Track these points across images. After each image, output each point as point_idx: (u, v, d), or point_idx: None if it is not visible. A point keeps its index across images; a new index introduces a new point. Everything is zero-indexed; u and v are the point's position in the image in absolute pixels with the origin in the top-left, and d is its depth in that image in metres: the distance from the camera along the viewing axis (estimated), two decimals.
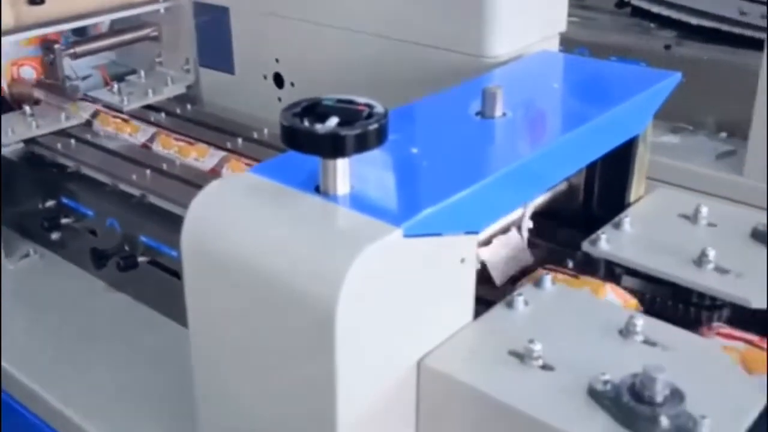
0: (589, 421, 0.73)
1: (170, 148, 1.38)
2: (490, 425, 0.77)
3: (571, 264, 1.02)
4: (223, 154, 1.33)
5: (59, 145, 1.42)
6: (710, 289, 0.92)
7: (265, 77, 1.52)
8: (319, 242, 0.74)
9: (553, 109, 1.05)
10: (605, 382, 0.75)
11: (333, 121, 0.78)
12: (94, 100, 1.54)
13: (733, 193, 1.55)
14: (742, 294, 0.90)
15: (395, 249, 0.74)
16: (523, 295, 0.88)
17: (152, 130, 1.43)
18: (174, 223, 0.84)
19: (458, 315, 0.84)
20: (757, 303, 0.89)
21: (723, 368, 0.80)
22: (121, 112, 1.50)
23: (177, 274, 1.17)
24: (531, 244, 1.06)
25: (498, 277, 0.97)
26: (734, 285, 0.91)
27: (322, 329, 0.71)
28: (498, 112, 0.97)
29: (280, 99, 1.50)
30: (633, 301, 0.92)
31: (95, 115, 1.50)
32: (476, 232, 0.84)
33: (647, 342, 0.82)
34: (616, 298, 0.91)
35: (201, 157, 1.34)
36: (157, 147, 1.39)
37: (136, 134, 1.43)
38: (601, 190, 1.11)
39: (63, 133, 1.46)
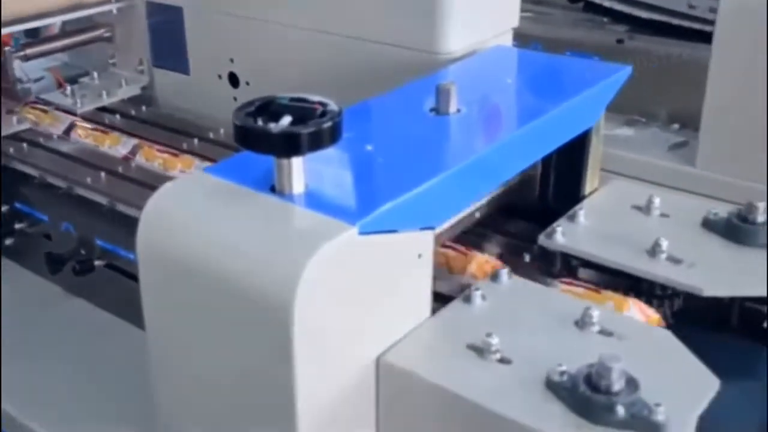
0: (546, 412, 0.73)
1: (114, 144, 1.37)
2: (449, 420, 0.77)
3: (528, 257, 1.02)
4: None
5: (11, 149, 1.40)
6: (664, 278, 0.93)
7: (220, 77, 1.51)
8: (274, 242, 0.74)
9: (507, 104, 1.06)
10: (562, 373, 0.75)
11: (286, 120, 0.77)
12: (47, 103, 1.51)
13: (686, 184, 1.57)
14: (694, 283, 0.91)
15: (351, 247, 0.74)
16: (480, 289, 0.88)
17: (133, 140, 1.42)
18: (130, 225, 0.83)
19: (416, 311, 0.84)
20: (709, 291, 0.90)
21: (677, 356, 0.81)
22: (74, 114, 1.48)
23: (135, 277, 1.15)
24: (488, 238, 1.07)
25: None
26: (687, 274, 0.92)
27: (279, 329, 0.71)
28: (452, 108, 0.97)
29: (235, 99, 1.49)
30: (655, 317, 0.91)
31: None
32: (432, 228, 0.84)
33: (603, 332, 0.83)
34: (639, 313, 0.90)
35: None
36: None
37: (117, 146, 1.41)
38: (556, 183, 1.12)
39: (15, 137, 1.44)
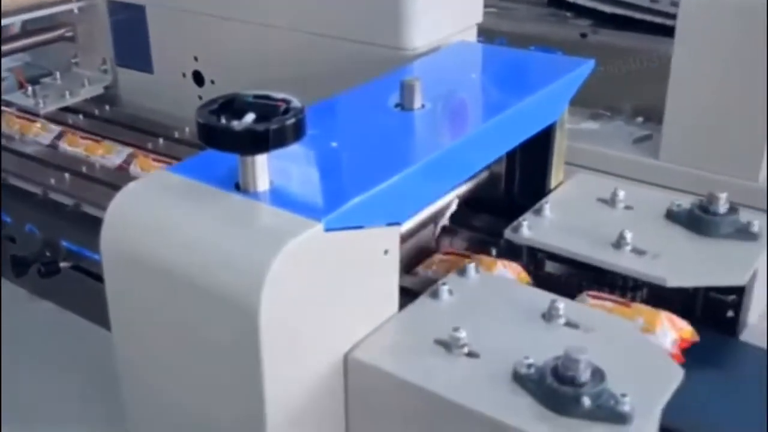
0: (513, 404, 0.73)
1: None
2: (418, 414, 0.77)
3: (494, 252, 1.03)
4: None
5: None
6: (628, 270, 0.94)
7: (184, 75, 1.50)
8: (239, 240, 0.74)
9: (472, 99, 1.06)
10: (529, 366, 0.76)
11: (250, 117, 0.77)
12: (8, 104, 1.49)
13: (650, 176, 1.58)
14: (658, 273, 0.92)
15: (317, 243, 0.74)
16: (447, 284, 0.88)
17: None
18: (95, 225, 0.82)
19: (383, 306, 0.84)
20: (673, 282, 0.91)
21: (642, 347, 0.81)
22: (37, 115, 1.47)
23: (101, 278, 1.14)
24: (454, 232, 1.07)
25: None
26: (651, 265, 0.93)
27: (246, 328, 0.71)
28: (417, 104, 0.97)
29: (200, 97, 1.48)
30: (689, 329, 0.89)
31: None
32: (399, 224, 0.84)
33: (569, 325, 0.83)
34: (671, 328, 0.89)
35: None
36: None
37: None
38: (522, 178, 1.13)
39: None
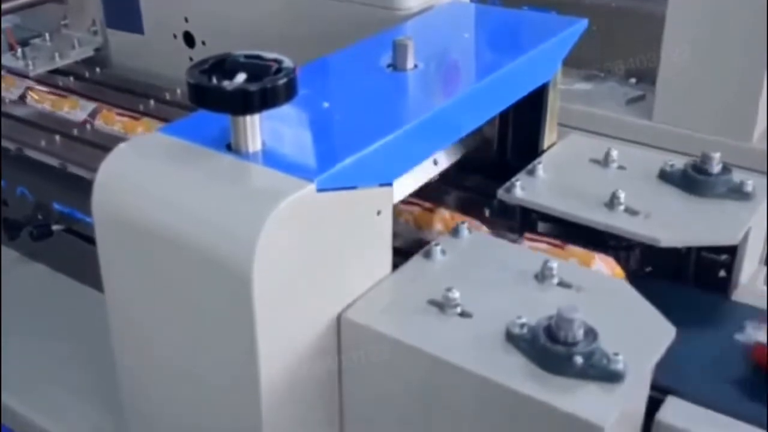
0: (506, 364, 0.73)
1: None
2: (411, 374, 0.77)
3: (487, 212, 1.02)
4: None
5: None
6: (621, 230, 0.93)
7: (175, 36, 1.48)
8: (231, 200, 0.73)
9: (465, 59, 1.05)
10: (522, 326, 0.76)
11: (241, 78, 0.76)
12: None
13: (643, 137, 1.59)
14: (651, 234, 0.92)
15: (309, 204, 0.73)
16: (440, 245, 0.88)
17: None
18: (87, 188, 0.82)
19: (377, 267, 0.84)
20: (666, 242, 0.91)
21: (634, 306, 0.81)
22: (27, 77, 1.45)
23: (94, 241, 1.14)
24: (448, 193, 1.07)
25: None
26: (644, 225, 0.93)
27: (239, 288, 0.71)
28: (409, 64, 0.96)
29: (191, 59, 1.46)
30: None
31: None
32: (390, 184, 0.83)
33: (562, 284, 0.83)
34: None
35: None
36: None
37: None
38: (515, 139, 1.12)
39: None
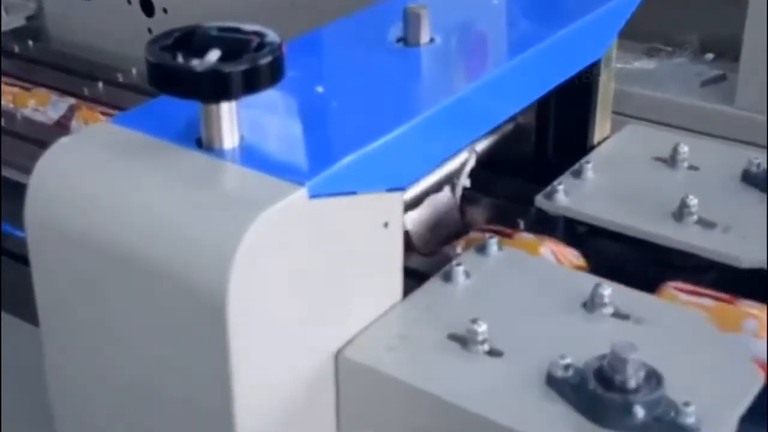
0: (547, 415, 0.74)
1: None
2: (427, 428, 0.78)
3: (522, 224, 1.03)
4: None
5: None
6: (693, 246, 0.95)
7: (129, 2, 1.50)
8: (201, 210, 0.74)
9: (493, 31, 1.06)
10: (566, 367, 0.77)
11: (214, 55, 0.77)
12: None
13: (722, 128, 1.59)
14: (731, 251, 0.93)
15: (299, 213, 0.75)
16: (463, 264, 0.89)
17: None
18: (18, 193, 0.83)
19: (384, 293, 0.85)
20: (749, 262, 0.92)
21: (711, 343, 0.82)
22: None
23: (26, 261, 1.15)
24: (472, 200, 1.08)
25: (422, 246, 0.99)
26: (722, 241, 0.94)
27: (209, 319, 0.72)
28: (424, 38, 0.97)
29: (150, 30, 1.48)
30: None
31: None
32: (402, 189, 0.85)
33: (618, 315, 0.84)
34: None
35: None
36: None
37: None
38: (557, 131, 1.14)
39: None
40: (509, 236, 0.96)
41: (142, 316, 0.77)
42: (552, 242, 0.95)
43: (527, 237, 0.95)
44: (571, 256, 0.94)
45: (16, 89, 1.36)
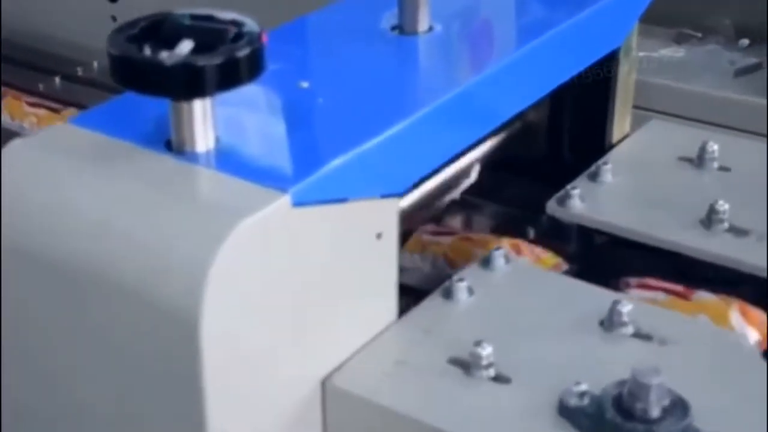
0: None
1: None
2: None
3: (532, 233, 1.04)
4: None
5: None
6: (724, 257, 0.95)
7: None
8: (171, 222, 0.74)
9: (499, 18, 1.06)
10: (581, 395, 0.77)
11: (186, 47, 0.78)
12: None
13: (757, 123, 1.59)
14: (766, 262, 0.93)
15: (281, 224, 0.75)
16: (466, 280, 0.90)
17: None
18: None
19: (377, 312, 0.86)
20: None
21: (743, 366, 0.83)
22: None
23: None
24: (477, 207, 1.09)
25: None
26: (756, 251, 0.95)
27: (181, 341, 0.72)
28: (422, 26, 0.98)
29: (114, 18, 1.48)
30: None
31: None
32: (397, 195, 0.85)
33: (639, 336, 0.85)
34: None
35: None
36: None
37: None
38: (572, 129, 1.14)
39: None
40: (683, 297, 0.94)
41: (104, 342, 0.77)
42: (740, 304, 0.92)
43: (709, 297, 0.93)
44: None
45: None
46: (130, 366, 0.77)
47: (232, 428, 0.76)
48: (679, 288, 0.94)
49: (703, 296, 0.94)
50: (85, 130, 0.84)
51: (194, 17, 0.80)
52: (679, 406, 0.75)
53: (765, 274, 0.93)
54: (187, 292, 0.71)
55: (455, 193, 1.08)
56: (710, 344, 0.85)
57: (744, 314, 0.92)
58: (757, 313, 0.92)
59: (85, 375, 0.80)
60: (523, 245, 0.97)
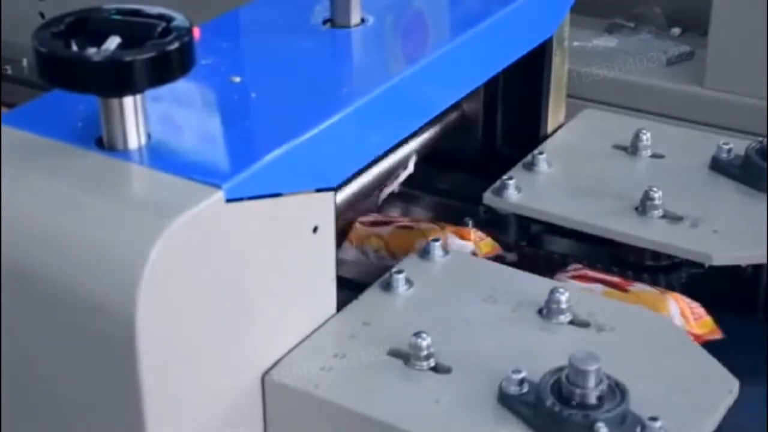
0: None
1: None
2: None
3: (470, 223, 1.04)
4: None
5: None
6: (658, 244, 0.96)
7: None
8: (104, 219, 0.74)
9: (432, 10, 1.07)
10: (520, 383, 0.77)
11: (113, 42, 0.77)
12: None
13: (689, 111, 1.60)
14: (700, 248, 0.94)
15: (215, 220, 0.75)
16: (404, 271, 0.90)
17: None
18: None
19: (315, 306, 0.86)
20: (720, 258, 0.93)
21: (679, 351, 0.84)
22: None
23: None
24: (414, 199, 1.09)
25: None
26: (690, 237, 0.96)
27: (117, 341, 0.71)
28: (354, 19, 0.98)
29: (43, 15, 1.47)
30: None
31: None
32: (333, 189, 0.85)
33: (577, 322, 0.85)
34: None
35: None
36: None
37: None
38: (506, 119, 1.14)
39: None
40: (622, 290, 0.95)
41: (42, 342, 0.76)
42: (674, 295, 0.93)
43: (647, 289, 0.94)
44: (702, 312, 0.93)
45: None
46: (70, 365, 0.76)
47: (171, 424, 0.76)
48: (616, 279, 0.95)
49: (641, 288, 0.94)
50: (13, 129, 0.83)
51: (121, 12, 0.80)
52: (617, 392, 0.76)
53: (699, 259, 0.94)
54: (122, 291, 0.70)
55: (393, 186, 1.08)
56: (645, 329, 0.86)
57: (680, 306, 0.93)
58: (694, 306, 0.93)
59: (29, 375, 0.79)
60: (465, 230, 0.97)
